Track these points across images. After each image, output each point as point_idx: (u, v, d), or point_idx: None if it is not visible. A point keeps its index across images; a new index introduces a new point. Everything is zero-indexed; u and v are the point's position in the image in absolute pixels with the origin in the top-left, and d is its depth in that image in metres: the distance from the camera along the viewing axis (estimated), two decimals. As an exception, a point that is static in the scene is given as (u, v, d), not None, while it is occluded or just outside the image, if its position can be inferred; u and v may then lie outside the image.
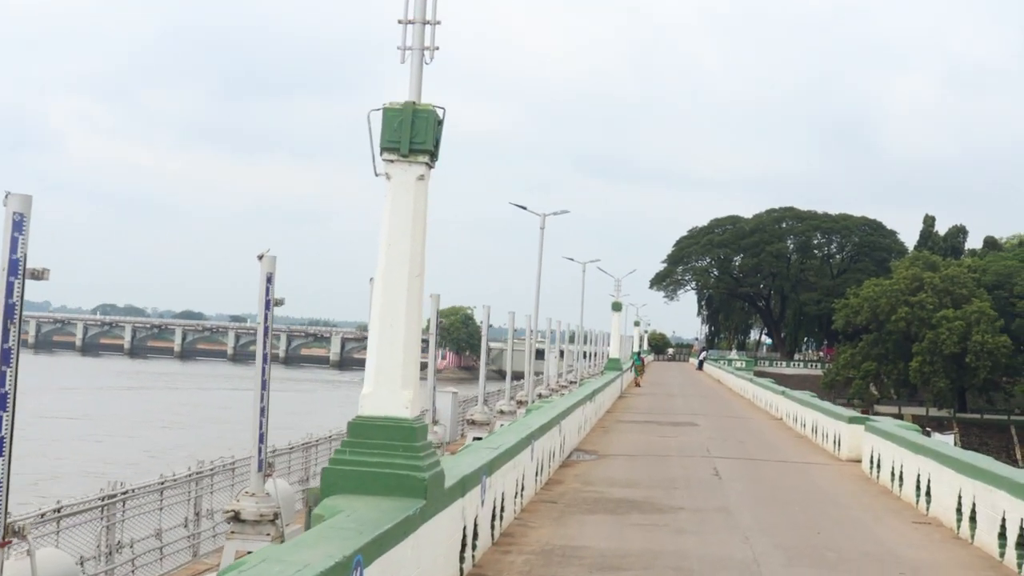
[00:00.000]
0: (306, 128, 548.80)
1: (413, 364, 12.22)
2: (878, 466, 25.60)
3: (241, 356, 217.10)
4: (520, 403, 44.76)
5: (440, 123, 11.71)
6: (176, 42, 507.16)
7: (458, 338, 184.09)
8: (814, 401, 37.92)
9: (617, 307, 67.25)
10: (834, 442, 31.41)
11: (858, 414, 30.39)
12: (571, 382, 56.29)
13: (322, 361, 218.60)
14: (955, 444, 66.68)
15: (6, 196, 9.26)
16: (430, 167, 11.93)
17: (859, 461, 28.25)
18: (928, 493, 20.66)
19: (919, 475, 21.30)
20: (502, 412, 38.28)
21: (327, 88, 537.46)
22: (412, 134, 11.68)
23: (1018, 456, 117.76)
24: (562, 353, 75.89)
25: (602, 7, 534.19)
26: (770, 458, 30.17)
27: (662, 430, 38.29)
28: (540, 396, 50.52)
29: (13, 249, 9.27)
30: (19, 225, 9.27)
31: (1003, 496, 16.47)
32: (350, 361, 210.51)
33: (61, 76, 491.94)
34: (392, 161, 11.80)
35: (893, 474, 23.78)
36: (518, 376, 68.33)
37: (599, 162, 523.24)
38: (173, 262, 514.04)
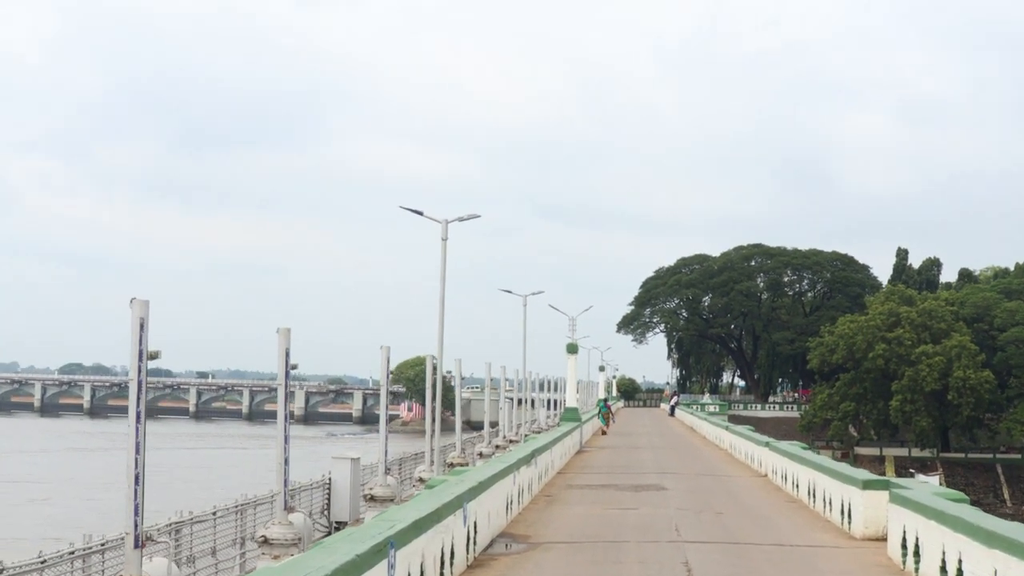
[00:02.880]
0: (262, 182, 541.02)
1: None
2: (915, 554, 17.55)
3: (203, 413, 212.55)
4: (450, 465, 36.94)
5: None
6: (127, 97, 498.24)
7: (423, 389, 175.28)
8: (810, 456, 29.73)
9: (572, 349, 58.86)
10: (843, 512, 23.36)
11: (876, 477, 22.36)
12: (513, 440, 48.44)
13: (235, 415, 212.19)
14: (940, 484, 60.64)
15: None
16: None
17: (881, 540, 20.29)
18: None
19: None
20: (421, 480, 30.68)
21: (279, 141, 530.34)
22: None
23: (1006, 496, 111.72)
24: (531, 402, 68.39)
25: (550, 52, 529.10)
26: (761, 540, 22.00)
27: (621, 497, 30.02)
28: (480, 455, 42.77)
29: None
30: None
31: None
32: (315, 415, 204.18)
33: (12, 135, 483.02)
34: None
35: (945, 570, 15.73)
36: (480, 426, 61.64)
37: (558, 207, 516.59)
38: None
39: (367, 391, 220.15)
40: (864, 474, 23.06)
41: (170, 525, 19.54)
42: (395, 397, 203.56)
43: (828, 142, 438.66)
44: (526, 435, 49.77)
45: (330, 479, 28.58)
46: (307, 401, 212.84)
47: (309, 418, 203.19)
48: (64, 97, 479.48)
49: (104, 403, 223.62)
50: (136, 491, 13.49)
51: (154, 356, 14.45)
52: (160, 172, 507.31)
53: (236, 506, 22.22)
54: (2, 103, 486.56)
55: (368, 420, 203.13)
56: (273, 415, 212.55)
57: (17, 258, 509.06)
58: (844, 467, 25.53)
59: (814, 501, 27.35)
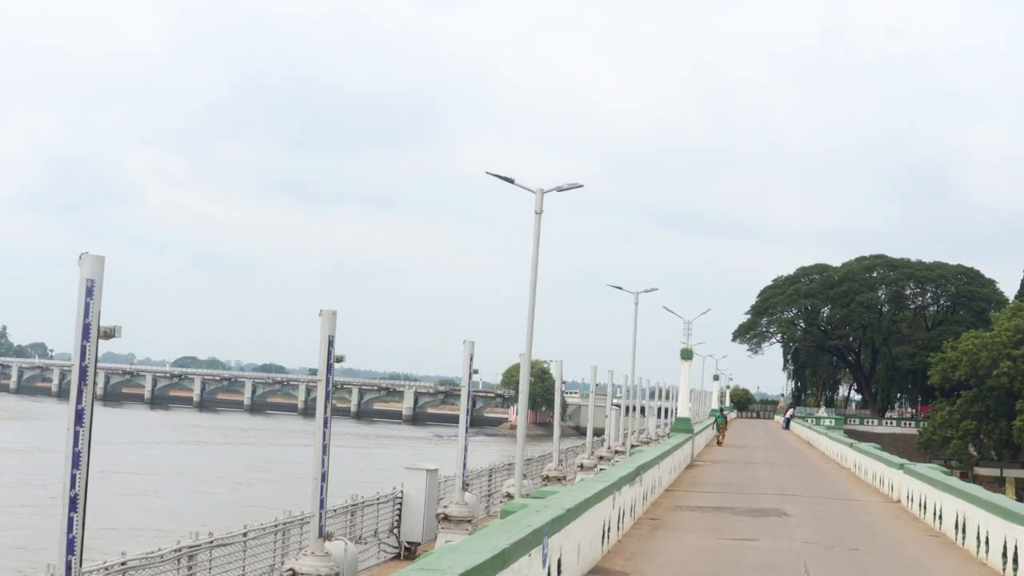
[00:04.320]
0: (378, 181, 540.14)
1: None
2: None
3: (312, 410, 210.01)
4: (545, 478, 33.16)
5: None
6: (249, 94, 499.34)
7: (534, 393, 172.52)
8: (957, 484, 25.35)
9: (687, 355, 54.50)
10: (1004, 556, 19.19)
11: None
12: (619, 451, 44.48)
13: (395, 415, 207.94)
14: None
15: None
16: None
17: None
18: None
19: None
20: (509, 496, 26.93)
21: (398, 141, 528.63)
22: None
23: None
24: (640, 410, 64.44)
25: (670, 58, 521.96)
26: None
27: (737, 524, 25.88)
28: (582, 467, 38.94)
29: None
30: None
31: None
32: (423, 416, 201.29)
33: (136, 129, 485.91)
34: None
35: None
36: (597, 432, 58.21)
37: (675, 215, 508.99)
38: (253, 314, 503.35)
39: (476, 393, 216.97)
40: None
41: (179, 551, 15.88)
42: (505, 401, 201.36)
43: (952, 154, 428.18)
44: (633, 446, 45.82)
45: (402, 493, 24.82)
46: (416, 401, 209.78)
47: (418, 419, 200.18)
48: (188, 94, 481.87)
49: (213, 397, 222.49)
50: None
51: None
52: (281, 170, 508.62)
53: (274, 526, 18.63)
54: (128, 97, 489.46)
55: (477, 423, 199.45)
56: (380, 414, 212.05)
57: (138, 250, 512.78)
58: (1004, 500, 21.23)
59: (963, 537, 23.07)
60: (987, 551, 20.75)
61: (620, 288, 55.58)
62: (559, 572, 15.07)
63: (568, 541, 15.86)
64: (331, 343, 14.96)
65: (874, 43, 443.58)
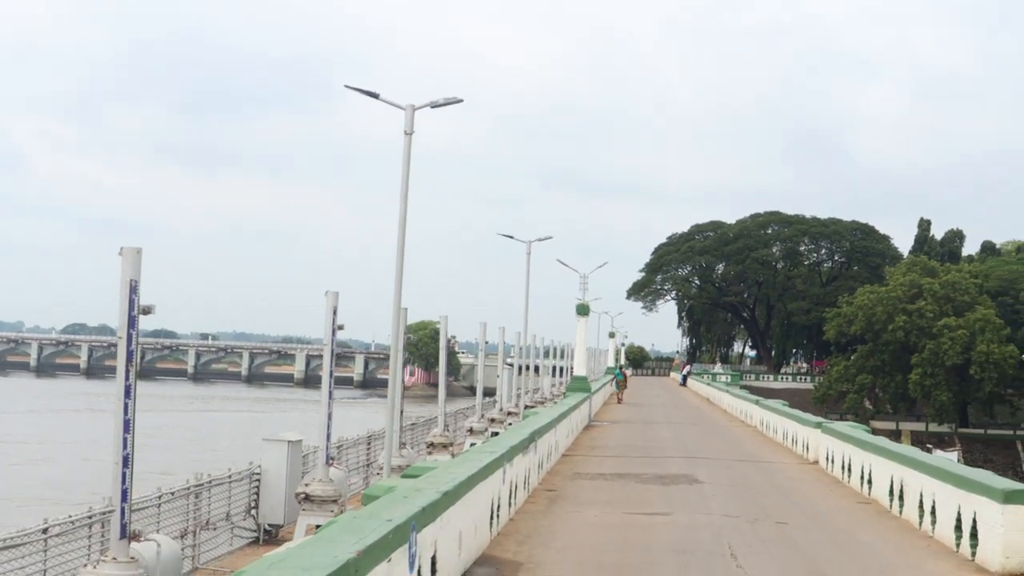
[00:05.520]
0: (273, 146, 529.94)
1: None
2: None
3: (202, 375, 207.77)
4: (430, 445, 29.87)
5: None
6: (136, 57, 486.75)
7: (428, 353, 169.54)
8: (889, 445, 22.36)
9: (583, 310, 51.25)
10: (958, 529, 16.27)
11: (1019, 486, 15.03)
12: (512, 412, 41.25)
13: (287, 379, 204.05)
14: (958, 461, 54.16)
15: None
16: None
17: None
18: None
19: None
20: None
21: (290, 105, 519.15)
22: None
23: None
24: (535, 369, 61.38)
25: (563, 20, 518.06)
26: (849, 562, 14.86)
27: (646, 495, 22.63)
28: (471, 431, 35.66)
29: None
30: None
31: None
32: (315, 379, 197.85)
33: (21, 95, 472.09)
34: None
35: None
36: (490, 393, 55.11)
37: (568, 176, 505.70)
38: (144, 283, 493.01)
39: (369, 355, 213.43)
40: (1004, 482, 15.65)
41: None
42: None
43: (844, 115, 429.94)
44: (527, 407, 42.62)
45: (260, 469, 21.31)
46: (307, 364, 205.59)
47: (309, 381, 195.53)
48: (74, 58, 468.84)
49: (101, 363, 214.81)
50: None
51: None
52: (167, 134, 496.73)
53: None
54: (10, 62, 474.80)
55: (370, 384, 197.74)
56: (272, 377, 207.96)
57: (23, 218, 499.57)
58: (954, 464, 18.22)
59: (901, 506, 20.11)
60: (934, 522, 17.77)
61: (511, 237, 52.57)
62: (433, 573, 11.75)
63: (446, 532, 12.54)
64: (134, 289, 11.97)
65: (766, 6, 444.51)
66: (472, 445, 31.01)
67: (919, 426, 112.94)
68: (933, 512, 17.82)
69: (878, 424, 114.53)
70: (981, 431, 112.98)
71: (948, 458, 24.13)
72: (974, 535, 15.60)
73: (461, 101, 25.31)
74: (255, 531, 21.57)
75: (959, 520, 16.32)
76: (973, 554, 15.60)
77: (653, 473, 26.66)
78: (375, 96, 24.01)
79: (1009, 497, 14.51)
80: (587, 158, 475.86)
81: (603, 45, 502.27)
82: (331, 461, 19.53)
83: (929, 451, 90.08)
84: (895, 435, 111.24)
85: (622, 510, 20.14)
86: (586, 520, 18.85)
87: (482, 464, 15.76)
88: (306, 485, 18.70)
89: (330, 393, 18.69)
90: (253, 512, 21.53)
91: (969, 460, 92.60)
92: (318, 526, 17.02)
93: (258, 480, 21.48)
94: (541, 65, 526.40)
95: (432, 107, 24.94)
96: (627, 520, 18.93)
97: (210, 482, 19.68)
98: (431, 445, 30.04)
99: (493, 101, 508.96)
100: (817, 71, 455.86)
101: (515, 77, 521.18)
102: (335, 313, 18.37)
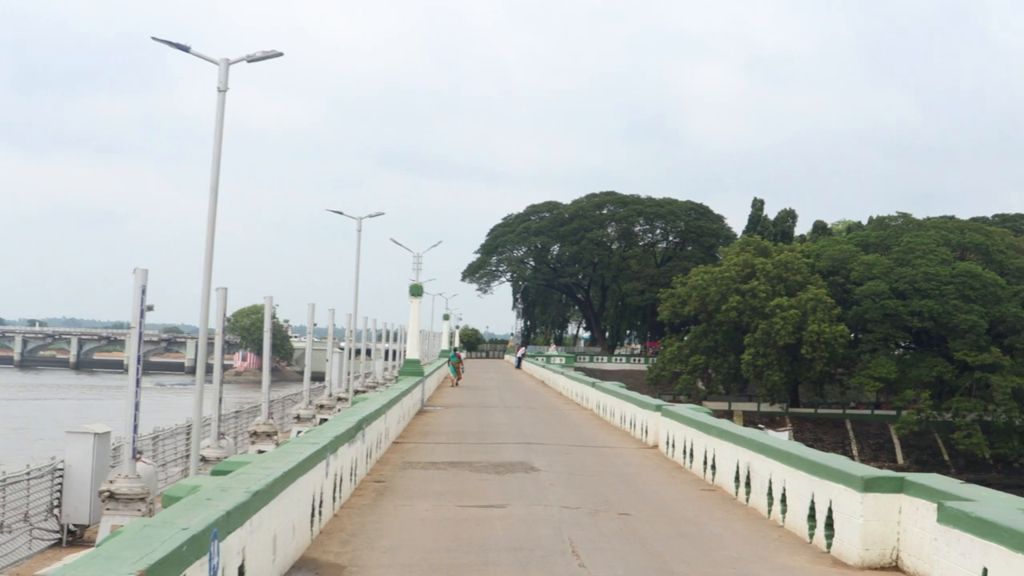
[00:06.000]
0: (102, 126, 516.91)
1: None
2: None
3: (29, 362, 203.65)
4: (253, 434, 28.21)
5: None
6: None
7: (259, 338, 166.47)
8: (736, 430, 21.41)
9: (416, 291, 49.76)
10: (812, 519, 15.32)
11: (883, 473, 14.02)
12: (342, 398, 39.70)
13: (117, 365, 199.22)
14: (790, 440, 53.98)
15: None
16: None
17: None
18: None
19: None
20: (204, 460, 21.78)
21: (123, 86, 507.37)
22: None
23: (854, 452, 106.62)
24: (368, 352, 59.76)
25: (400, 2, 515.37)
26: (713, 573, 13.76)
27: (480, 485, 21.36)
28: (298, 418, 34.06)
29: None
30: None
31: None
32: (147, 365, 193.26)
33: None
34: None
35: None
36: (320, 378, 53.49)
37: (406, 157, 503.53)
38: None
39: (195, 338, 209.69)
40: (864, 469, 14.64)
41: None
42: (230, 347, 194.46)
43: (679, 97, 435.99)
44: (357, 392, 41.12)
45: (62, 464, 19.50)
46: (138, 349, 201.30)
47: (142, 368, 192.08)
48: None
49: None
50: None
51: None
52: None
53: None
54: None
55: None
56: (102, 364, 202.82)
57: None
58: (806, 450, 17.22)
59: (747, 493, 19.19)
60: (784, 511, 16.83)
61: (341, 213, 50.86)
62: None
63: (257, 536, 11.08)
64: None
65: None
66: (299, 433, 29.48)
67: (751, 406, 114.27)
68: (784, 500, 16.86)
69: (710, 405, 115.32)
70: (811, 410, 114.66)
71: (780, 438, 23.37)
72: (829, 525, 14.61)
73: (281, 55, 23.71)
74: (58, 532, 19.76)
75: (813, 509, 15.34)
76: (829, 545, 14.62)
77: (488, 461, 25.40)
78: (185, 49, 22.28)
79: (869, 485, 13.51)
80: (426, 139, 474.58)
81: (441, 25, 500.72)
82: (139, 455, 17.89)
83: (761, 431, 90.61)
84: (727, 415, 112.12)
85: (455, 503, 18.83)
86: (416, 515, 17.49)
87: (302, 457, 14.31)
88: (110, 482, 16.98)
89: (137, 380, 16.96)
90: (56, 512, 19.71)
91: (800, 439, 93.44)
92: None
93: (61, 476, 19.66)
94: (377, 45, 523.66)
95: (249, 61, 23.30)
96: (460, 514, 17.61)
97: (3, 480, 17.87)
98: (255, 434, 28.41)
99: (329, 82, 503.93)
100: (652, 53, 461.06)
101: (351, 57, 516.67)
102: (144, 293, 16.68)
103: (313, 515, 15.09)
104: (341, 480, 18.06)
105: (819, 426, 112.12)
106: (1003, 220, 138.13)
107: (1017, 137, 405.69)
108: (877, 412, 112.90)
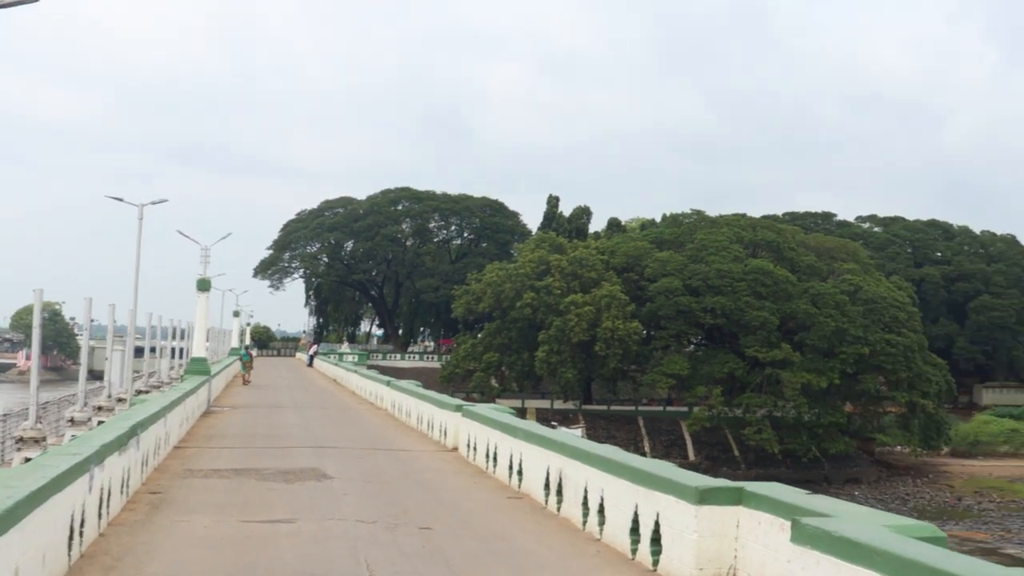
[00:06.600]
0: None
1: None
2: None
3: None
4: (19, 440, 25.66)
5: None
6: None
7: (45, 335, 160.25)
8: (557, 437, 19.90)
9: (204, 285, 47.25)
10: (634, 531, 13.86)
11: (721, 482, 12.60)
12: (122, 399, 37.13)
13: None
14: (583, 437, 53.38)
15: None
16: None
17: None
18: None
19: None
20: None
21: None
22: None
23: (646, 448, 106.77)
24: (153, 350, 56.76)
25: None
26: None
27: (267, 495, 19.40)
28: (72, 422, 31.45)
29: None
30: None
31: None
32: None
33: None
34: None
35: None
36: (100, 377, 50.37)
37: (199, 153, 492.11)
38: None
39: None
40: (697, 479, 13.16)
41: None
42: (14, 345, 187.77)
43: (473, 93, 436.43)
44: (139, 392, 38.54)
45: None
46: None
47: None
48: None
49: None
50: None
51: None
52: None
53: None
54: None
55: None
56: None
57: None
58: (630, 457, 15.72)
59: (559, 501, 17.66)
60: (602, 523, 15.32)
61: (120, 200, 48.02)
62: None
63: (-10, 573, 9.12)
64: None
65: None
66: (73, 438, 27.04)
67: (545, 403, 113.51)
68: (602, 511, 15.34)
69: (504, 402, 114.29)
70: (605, 407, 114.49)
71: (574, 435, 22.24)
72: (656, 540, 13.14)
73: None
74: None
75: (636, 522, 13.88)
76: (655, 563, 13.13)
77: (277, 468, 23.40)
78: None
79: (704, 497, 12.03)
80: (220, 134, 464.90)
81: (234, 17, 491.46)
82: None
83: (554, 428, 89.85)
84: (521, 413, 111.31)
85: (239, 517, 16.85)
86: (194, 533, 15.48)
87: (58, 471, 12.24)
88: None
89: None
90: None
91: (593, 436, 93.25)
92: None
93: None
94: (169, 38, 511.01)
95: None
96: (244, 531, 15.65)
97: None
98: (21, 440, 25.86)
99: (118, 73, 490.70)
100: (448, 50, 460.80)
101: (141, 48, 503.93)
102: None
103: (72, 538, 13.02)
104: (109, 494, 15.96)
105: (612, 423, 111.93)
106: (793, 218, 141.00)
107: (803, 138, 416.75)
108: (669, 409, 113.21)
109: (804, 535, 9.51)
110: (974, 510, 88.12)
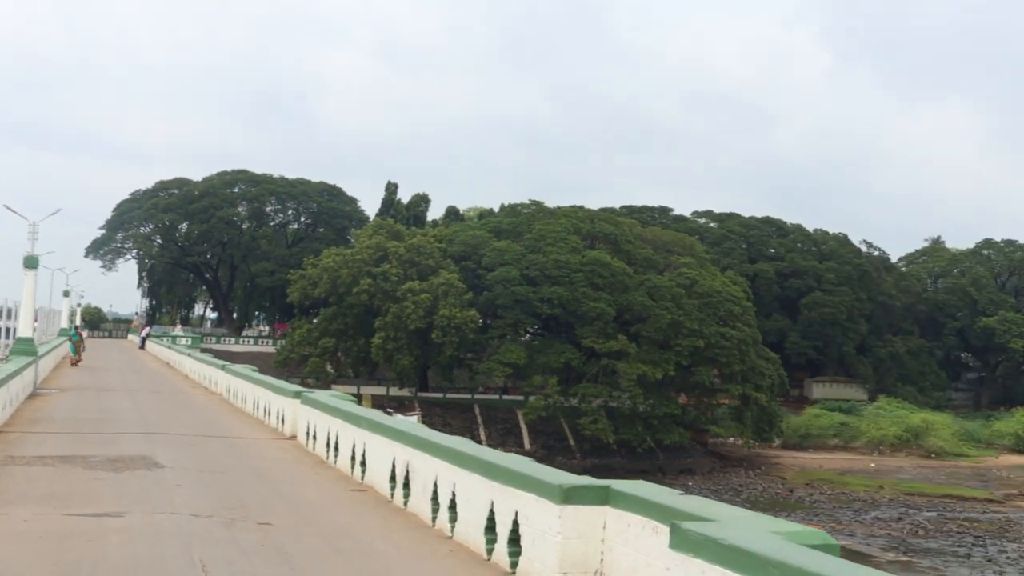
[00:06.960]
0: None
1: None
2: None
3: None
4: None
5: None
6: None
7: None
8: (404, 428, 18.95)
9: (31, 263, 45.17)
10: (491, 529, 13.02)
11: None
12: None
13: None
14: (418, 423, 52.57)
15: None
16: None
17: None
18: None
19: None
20: None
21: None
22: None
23: (482, 436, 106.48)
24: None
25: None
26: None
27: (94, 485, 18.12)
28: None
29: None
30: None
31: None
32: None
33: None
34: None
35: None
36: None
37: (29, 130, 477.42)
38: None
39: None
40: (561, 476, 12.34)
41: None
42: None
43: (311, 78, 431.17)
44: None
45: None
46: None
47: None
48: None
49: None
50: None
51: None
52: None
53: None
54: None
55: None
56: None
57: None
58: (485, 451, 14.85)
59: (406, 497, 16.74)
60: (453, 520, 14.41)
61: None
62: None
63: None
64: None
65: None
66: None
67: (380, 390, 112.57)
68: (453, 507, 14.46)
69: (340, 388, 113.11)
70: (441, 395, 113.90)
71: (410, 421, 21.47)
72: (515, 541, 12.32)
73: None
74: None
75: (492, 520, 13.05)
76: (514, 564, 12.26)
77: (105, 455, 22.06)
78: None
79: (569, 495, 11.17)
80: (52, 112, 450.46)
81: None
82: None
83: (390, 415, 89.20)
84: (356, 399, 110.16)
85: (62, 510, 15.57)
86: (12, 528, 14.20)
87: None
88: None
89: None
90: None
91: (428, 423, 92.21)
92: None
93: None
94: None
95: None
96: (68, 526, 14.42)
97: None
98: None
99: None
100: (287, 34, 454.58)
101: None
102: None
103: None
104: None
105: (448, 411, 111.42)
106: (631, 211, 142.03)
107: (637, 135, 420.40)
108: (505, 397, 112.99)
109: (686, 541, 8.72)
110: (806, 502, 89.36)
